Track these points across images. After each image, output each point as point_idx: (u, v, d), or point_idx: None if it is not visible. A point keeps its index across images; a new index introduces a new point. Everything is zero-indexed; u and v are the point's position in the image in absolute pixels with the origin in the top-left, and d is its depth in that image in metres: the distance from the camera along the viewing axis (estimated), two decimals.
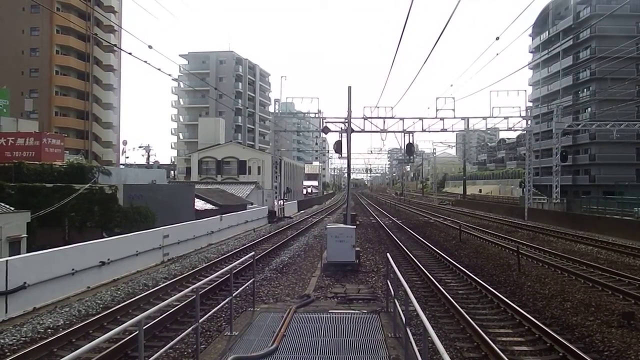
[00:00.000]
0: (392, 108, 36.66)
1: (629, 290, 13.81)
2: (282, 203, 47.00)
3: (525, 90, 41.33)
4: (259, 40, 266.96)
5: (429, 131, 37.41)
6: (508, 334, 10.38)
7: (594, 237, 27.51)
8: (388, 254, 11.44)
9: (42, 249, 15.27)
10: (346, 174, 32.81)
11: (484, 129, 43.59)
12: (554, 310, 12.07)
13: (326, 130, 35.87)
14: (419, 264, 17.96)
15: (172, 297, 7.82)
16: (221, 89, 72.20)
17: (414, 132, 35.96)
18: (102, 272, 16.51)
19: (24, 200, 22.87)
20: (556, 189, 43.65)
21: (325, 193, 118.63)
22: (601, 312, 11.69)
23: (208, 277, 11.61)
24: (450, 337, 10.06)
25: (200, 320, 7.20)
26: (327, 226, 18.93)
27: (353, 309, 10.66)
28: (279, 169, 47.55)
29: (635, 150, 58.24)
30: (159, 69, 19.92)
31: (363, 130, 36.41)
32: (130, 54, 18.33)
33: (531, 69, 76.04)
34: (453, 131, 39.83)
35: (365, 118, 36.20)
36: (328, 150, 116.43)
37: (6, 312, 12.27)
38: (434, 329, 5.28)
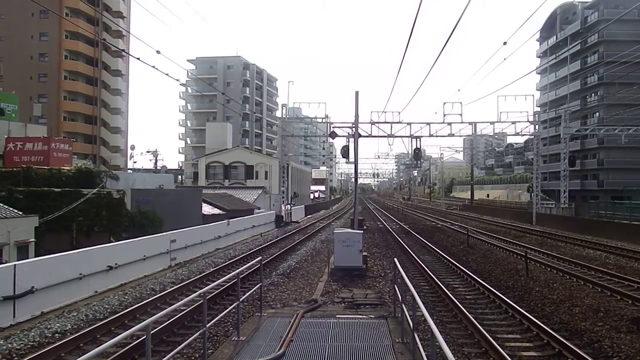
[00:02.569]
0: (399, 113, 37.06)
1: (638, 295, 13.69)
2: (289, 208, 47.01)
3: (533, 95, 41.56)
4: (267, 46, 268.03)
5: (437, 136, 37.54)
6: (516, 339, 10.31)
7: (603, 242, 27.31)
8: (395, 259, 11.41)
9: (50, 254, 15.36)
10: (353, 179, 32.82)
11: (492, 134, 43.58)
12: (562, 315, 11.99)
13: (333, 135, 36.00)
14: (427, 269, 17.89)
15: (179, 301, 7.83)
16: (229, 93, 72.33)
17: (421, 137, 36.10)
18: (109, 276, 16.57)
19: (32, 204, 22.99)
20: (564, 193, 43.42)
21: (332, 198, 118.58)
22: (610, 318, 11.60)
23: (215, 281, 11.62)
24: (458, 342, 10.01)
25: (207, 325, 7.20)
26: (334, 231, 18.89)
27: (360, 314, 10.63)
28: (286, 173, 47.56)
29: None
30: (166, 74, 19.93)
31: (370, 135, 36.52)
32: (138, 59, 18.37)
33: (539, 73, 75.86)
34: (460, 136, 39.77)
35: (372, 123, 36.28)
36: (335, 155, 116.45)
37: (14, 316, 12.34)
38: (441, 334, 5.25)
